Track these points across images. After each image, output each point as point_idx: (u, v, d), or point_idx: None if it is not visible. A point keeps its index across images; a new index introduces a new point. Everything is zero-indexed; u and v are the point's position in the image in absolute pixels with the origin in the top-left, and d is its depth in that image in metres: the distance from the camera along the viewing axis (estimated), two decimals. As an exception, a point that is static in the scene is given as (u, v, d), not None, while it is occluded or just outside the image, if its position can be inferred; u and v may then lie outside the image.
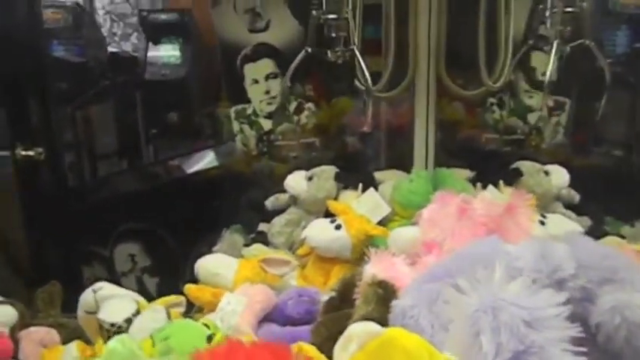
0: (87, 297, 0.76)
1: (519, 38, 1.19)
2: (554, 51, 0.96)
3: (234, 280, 0.90)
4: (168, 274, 1.75)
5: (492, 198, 0.90)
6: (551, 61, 0.96)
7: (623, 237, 1.05)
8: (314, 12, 0.95)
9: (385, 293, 0.57)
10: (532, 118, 1.44)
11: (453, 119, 1.43)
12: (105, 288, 0.78)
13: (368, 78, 0.92)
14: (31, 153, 1.34)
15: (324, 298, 0.82)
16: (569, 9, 1.00)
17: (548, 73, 0.95)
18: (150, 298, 1.65)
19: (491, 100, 1.41)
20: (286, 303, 0.74)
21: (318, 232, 1.02)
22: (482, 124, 1.47)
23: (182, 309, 0.86)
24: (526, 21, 1.20)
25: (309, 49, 0.95)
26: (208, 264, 0.91)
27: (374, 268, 0.65)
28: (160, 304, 0.84)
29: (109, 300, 0.74)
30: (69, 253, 1.60)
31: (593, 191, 1.27)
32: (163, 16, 2.05)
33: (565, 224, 0.93)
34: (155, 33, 2.04)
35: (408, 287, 0.56)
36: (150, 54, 2.06)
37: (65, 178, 1.67)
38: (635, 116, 1.55)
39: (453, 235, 0.69)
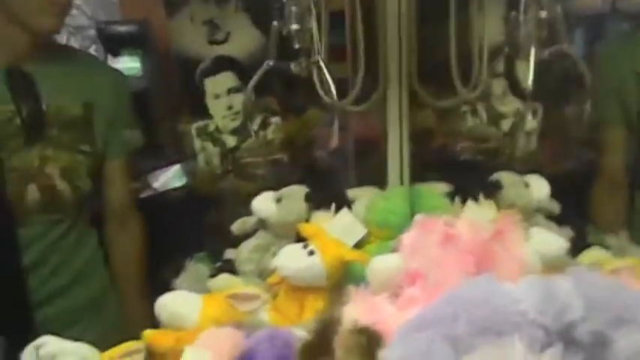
0: (28, 357, 0.67)
1: (493, 45, 1.15)
2: (532, 58, 0.91)
3: (199, 320, 0.81)
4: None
5: (475, 216, 0.84)
6: (531, 67, 0.91)
7: (607, 248, 1.01)
8: (275, 22, 0.87)
9: (369, 343, 0.50)
10: (505, 125, 1.40)
11: (424, 128, 1.38)
12: (49, 344, 0.68)
13: (334, 92, 0.85)
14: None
15: (299, 334, 0.75)
16: (543, 14, 0.95)
17: (530, 81, 0.90)
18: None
19: (464, 108, 1.36)
20: (257, 351, 0.66)
21: (290, 259, 0.94)
22: (456, 133, 1.43)
23: (141, 357, 0.77)
24: (499, 27, 1.16)
25: (271, 62, 0.88)
26: (169, 303, 0.82)
27: (355, 311, 0.57)
28: (116, 354, 0.75)
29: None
30: (21, 292, 1.48)
31: (571, 199, 1.23)
32: (122, 28, 1.98)
33: (550, 239, 0.88)
34: (114, 45, 1.96)
35: (397, 336, 0.49)
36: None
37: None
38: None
39: (439, 266, 0.63)
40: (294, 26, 0.83)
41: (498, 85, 1.34)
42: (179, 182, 1.66)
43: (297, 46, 0.85)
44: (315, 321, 0.68)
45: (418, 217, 0.78)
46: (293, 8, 0.83)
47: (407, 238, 0.72)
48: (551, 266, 0.84)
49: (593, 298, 0.45)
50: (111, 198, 1.31)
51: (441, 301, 0.48)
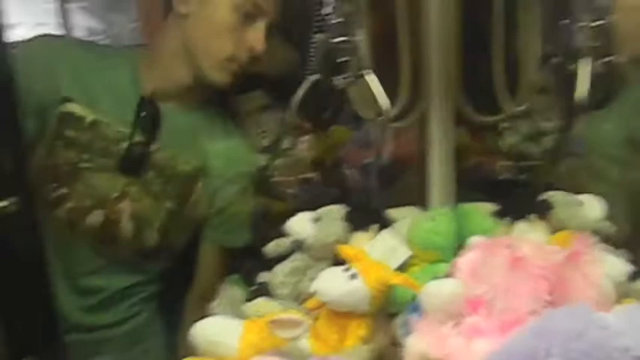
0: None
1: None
2: (587, 69, 0.86)
3: (239, 347, 0.77)
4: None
5: (527, 238, 0.79)
6: (584, 79, 0.86)
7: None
8: (318, 35, 0.84)
9: (442, 379, 0.45)
10: (548, 142, 1.34)
11: (459, 146, 1.33)
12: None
13: (384, 104, 0.81)
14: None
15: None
16: (598, 22, 0.90)
17: (581, 93, 0.85)
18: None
19: (504, 124, 1.31)
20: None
21: (331, 283, 0.89)
22: (494, 151, 1.38)
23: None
24: (546, 38, 1.11)
25: (315, 76, 0.84)
26: (208, 330, 0.78)
27: (420, 342, 0.52)
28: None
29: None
30: (52, 315, 1.44)
31: (622, 220, 1.17)
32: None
33: (617, 263, 0.82)
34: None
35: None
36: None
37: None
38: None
39: (507, 292, 0.57)
40: (340, 38, 0.80)
41: (541, 101, 1.29)
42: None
43: (341, 59, 0.82)
44: (370, 351, 0.62)
45: (475, 238, 0.73)
46: (339, 19, 0.79)
47: (465, 261, 0.67)
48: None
49: None
50: (198, 276, 1.26)
51: (528, 334, 0.43)
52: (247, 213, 1.26)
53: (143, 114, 1.10)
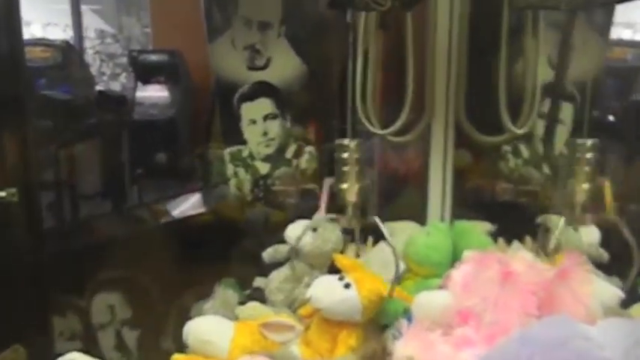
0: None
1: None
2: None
3: (229, 348, 0.77)
4: (150, 327, 1.61)
5: (529, 258, 0.80)
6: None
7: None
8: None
9: (427, 383, 0.46)
10: (548, 167, 1.36)
11: (461, 168, 1.34)
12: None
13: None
14: (2, 194, 1.22)
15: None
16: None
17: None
18: (128, 354, 1.50)
19: (506, 148, 1.33)
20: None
21: (325, 291, 0.89)
22: (494, 174, 1.39)
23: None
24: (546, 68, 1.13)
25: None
26: (200, 329, 0.78)
27: (408, 347, 0.53)
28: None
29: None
30: (41, 304, 1.45)
31: (617, 248, 1.18)
32: (153, 57, 2.03)
33: (607, 287, 0.82)
34: (144, 73, 2.01)
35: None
36: (138, 94, 2.02)
37: (40, 221, 1.54)
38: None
39: (496, 306, 0.58)
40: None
41: (542, 127, 1.31)
42: (197, 211, 1.64)
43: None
44: (358, 356, 0.63)
45: (468, 252, 0.74)
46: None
47: (458, 274, 0.68)
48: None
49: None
50: None
51: (512, 341, 0.44)
52: None
53: None
